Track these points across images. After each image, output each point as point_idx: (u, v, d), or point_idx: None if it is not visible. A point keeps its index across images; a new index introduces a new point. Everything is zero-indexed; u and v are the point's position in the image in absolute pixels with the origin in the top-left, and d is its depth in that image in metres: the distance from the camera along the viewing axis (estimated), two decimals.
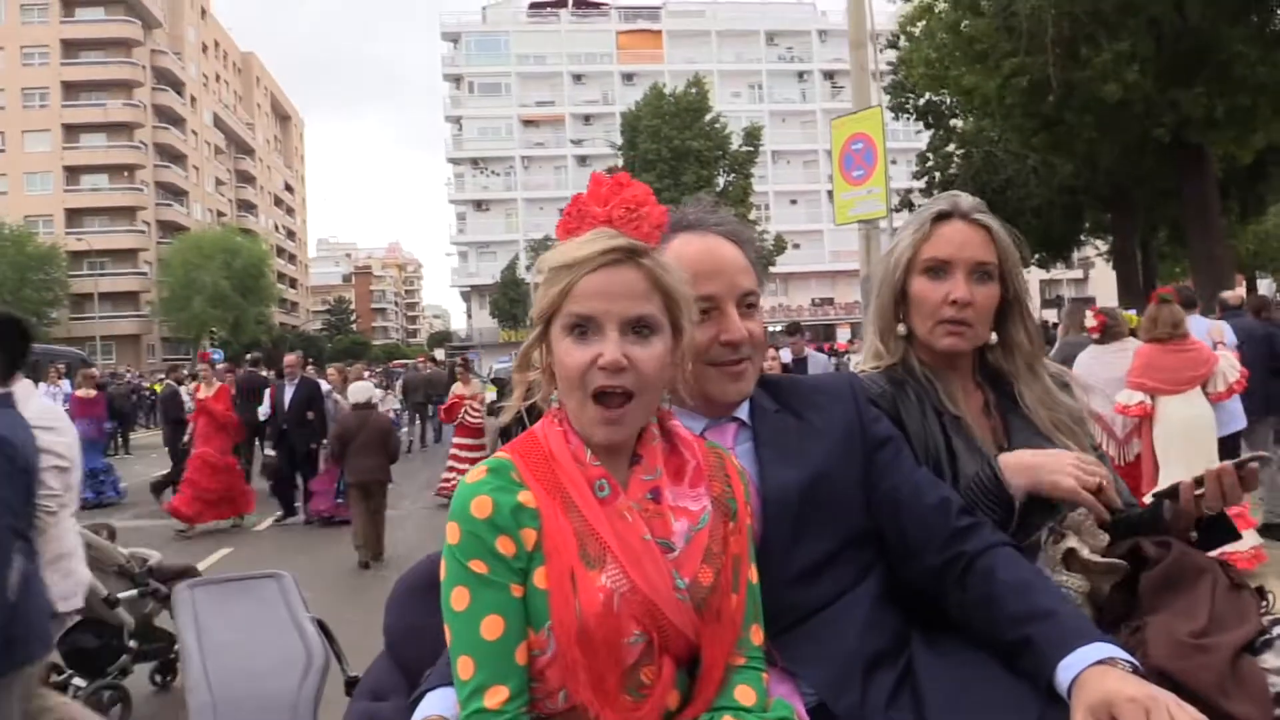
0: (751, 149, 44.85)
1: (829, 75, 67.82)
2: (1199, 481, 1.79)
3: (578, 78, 69.40)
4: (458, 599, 1.36)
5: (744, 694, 1.42)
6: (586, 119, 68.24)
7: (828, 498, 1.64)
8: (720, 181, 43.24)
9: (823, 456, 1.68)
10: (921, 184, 28.92)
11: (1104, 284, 43.45)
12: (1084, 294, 53.27)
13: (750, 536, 1.52)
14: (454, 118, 69.99)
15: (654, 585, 1.36)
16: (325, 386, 13.33)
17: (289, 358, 13.13)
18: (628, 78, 67.36)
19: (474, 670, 1.33)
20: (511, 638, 1.34)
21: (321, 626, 2.16)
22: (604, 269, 1.40)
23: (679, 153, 41.96)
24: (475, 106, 69.16)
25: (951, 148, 28.26)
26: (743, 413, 1.77)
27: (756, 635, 1.48)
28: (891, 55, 24.93)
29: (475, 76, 69.13)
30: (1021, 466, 1.76)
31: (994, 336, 2.06)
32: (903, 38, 23.21)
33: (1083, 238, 29.86)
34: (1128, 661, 1.36)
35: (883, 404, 1.91)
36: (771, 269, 43.50)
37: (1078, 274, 56.98)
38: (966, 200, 2.06)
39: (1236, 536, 1.88)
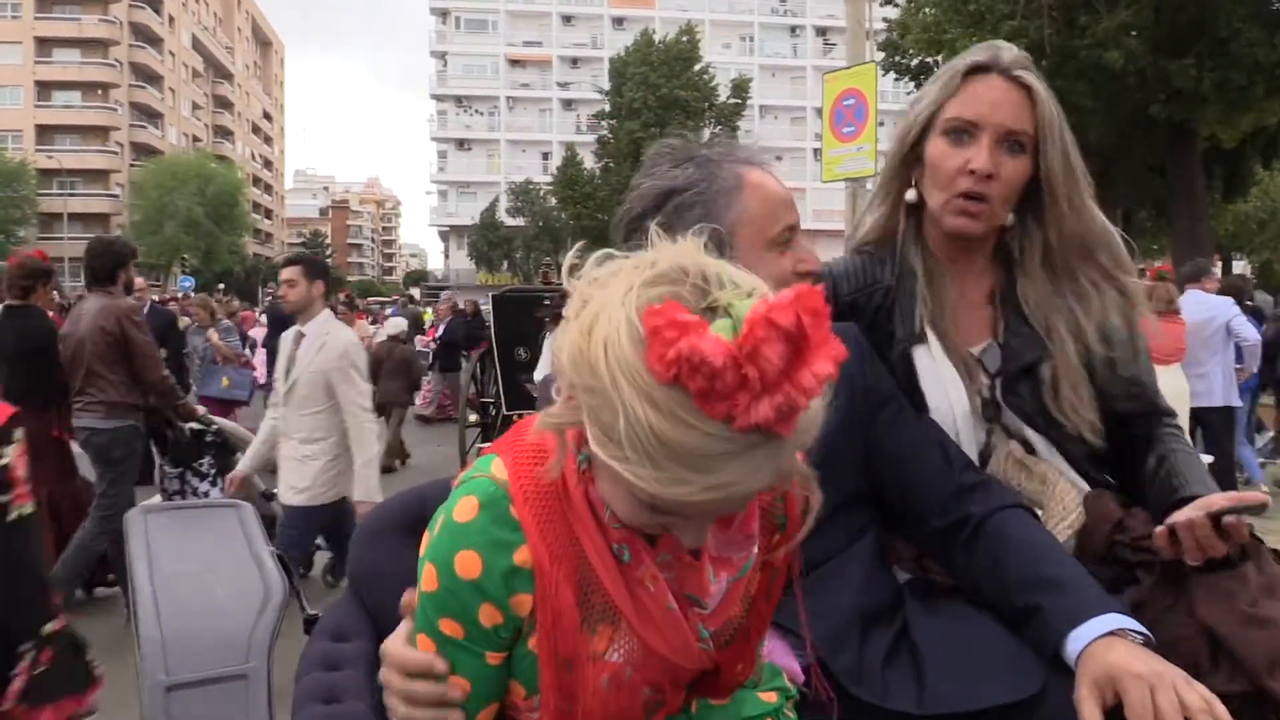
0: (739, 101, 44.58)
1: (822, 31, 67.02)
2: (1172, 532, 1.50)
3: (567, 19, 68.59)
4: (423, 646, 1.16)
5: None
6: (574, 62, 67.60)
7: (828, 457, 1.44)
8: (706, 133, 42.71)
9: (829, 415, 1.40)
10: None
11: None
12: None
13: (796, 550, 1.25)
14: (439, 53, 69.14)
15: (675, 648, 1.14)
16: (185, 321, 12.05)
17: (137, 280, 11.14)
18: (618, 22, 66.65)
19: None
20: (477, 701, 1.17)
21: (281, 561, 2.05)
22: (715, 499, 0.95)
23: (665, 101, 41.73)
24: (461, 43, 68.28)
25: None
26: None
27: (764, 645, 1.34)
28: (888, 13, 24.63)
29: (462, 11, 68.23)
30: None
31: (1010, 218, 1.78)
32: None
33: None
34: (1139, 633, 1.31)
35: (843, 311, 1.77)
36: None
37: None
38: (1010, 52, 1.76)
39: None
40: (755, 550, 1.20)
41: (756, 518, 1.20)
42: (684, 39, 44.21)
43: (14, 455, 2.13)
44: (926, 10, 20.73)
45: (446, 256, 70.72)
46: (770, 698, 1.30)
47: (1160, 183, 19.75)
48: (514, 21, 68.09)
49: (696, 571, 1.16)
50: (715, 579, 1.17)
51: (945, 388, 1.76)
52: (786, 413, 0.89)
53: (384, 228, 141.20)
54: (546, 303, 9.23)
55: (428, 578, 1.13)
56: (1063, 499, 1.69)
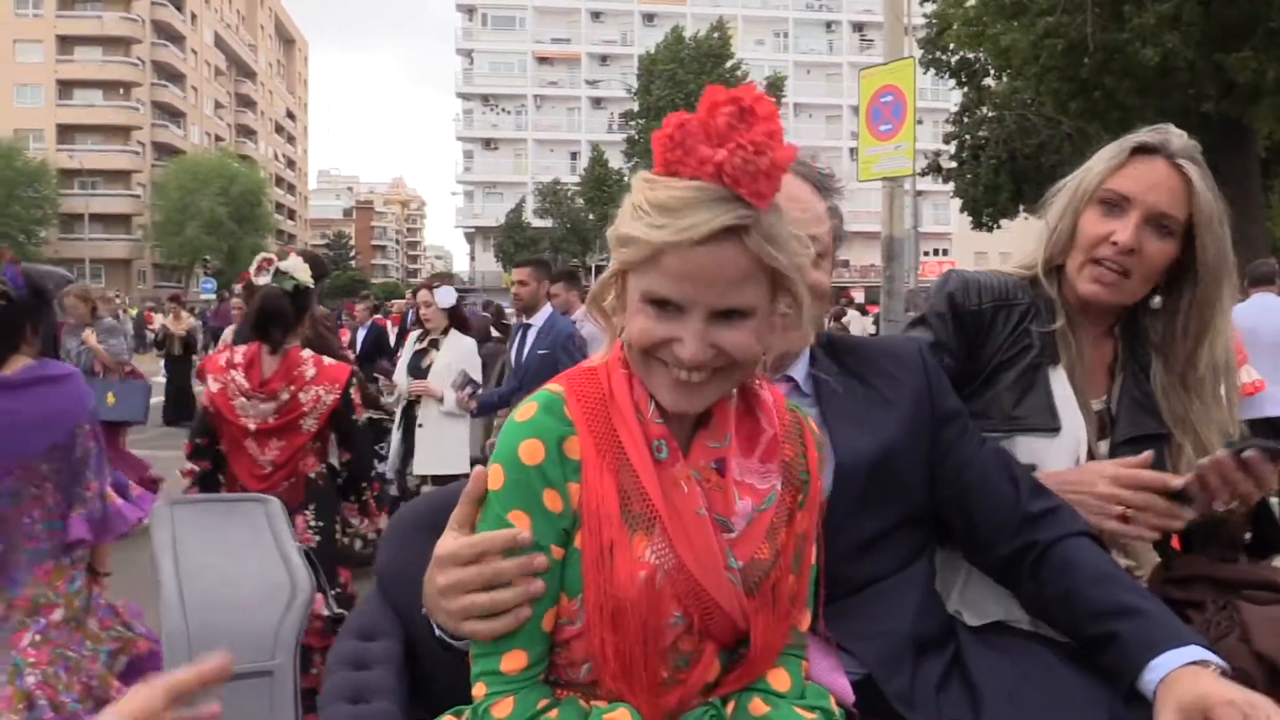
0: (773, 100, 43.38)
1: (858, 27, 66.19)
2: (1202, 480, 1.64)
3: (596, 15, 67.76)
4: None
5: (777, 678, 1.32)
6: (604, 59, 66.82)
7: (895, 472, 1.58)
8: None
9: (892, 427, 1.60)
10: (951, 147, 27.78)
11: None
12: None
13: (820, 512, 1.39)
14: (465, 51, 68.53)
15: (703, 565, 1.24)
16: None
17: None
18: (648, 18, 65.97)
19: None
20: (543, 603, 1.24)
21: (308, 557, 2.04)
22: (703, 246, 1.18)
23: (695, 100, 40.64)
24: (488, 40, 67.64)
25: (984, 110, 26.95)
26: (797, 371, 1.67)
27: (804, 620, 1.38)
28: (927, 9, 24.01)
29: (489, 8, 67.57)
30: (1048, 482, 1.66)
31: (1156, 300, 1.86)
32: None
33: None
34: (1220, 665, 1.32)
35: (967, 323, 1.85)
36: None
37: None
38: (1180, 140, 1.82)
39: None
40: (778, 486, 1.32)
41: (776, 453, 1.33)
42: (715, 35, 43.21)
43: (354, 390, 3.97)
44: (968, 4, 20.25)
45: (472, 258, 70.26)
46: (810, 717, 1.28)
47: (1217, 184, 18.51)
48: (542, 18, 67.45)
49: (723, 492, 1.28)
50: (740, 499, 1.28)
51: (1075, 414, 1.80)
52: (741, 165, 1.15)
53: (409, 229, 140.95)
54: None
55: (494, 477, 1.24)
56: (1139, 551, 1.81)
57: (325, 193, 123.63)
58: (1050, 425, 1.79)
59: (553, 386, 1.29)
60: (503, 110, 67.42)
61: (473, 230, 67.12)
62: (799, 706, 1.29)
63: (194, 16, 70.57)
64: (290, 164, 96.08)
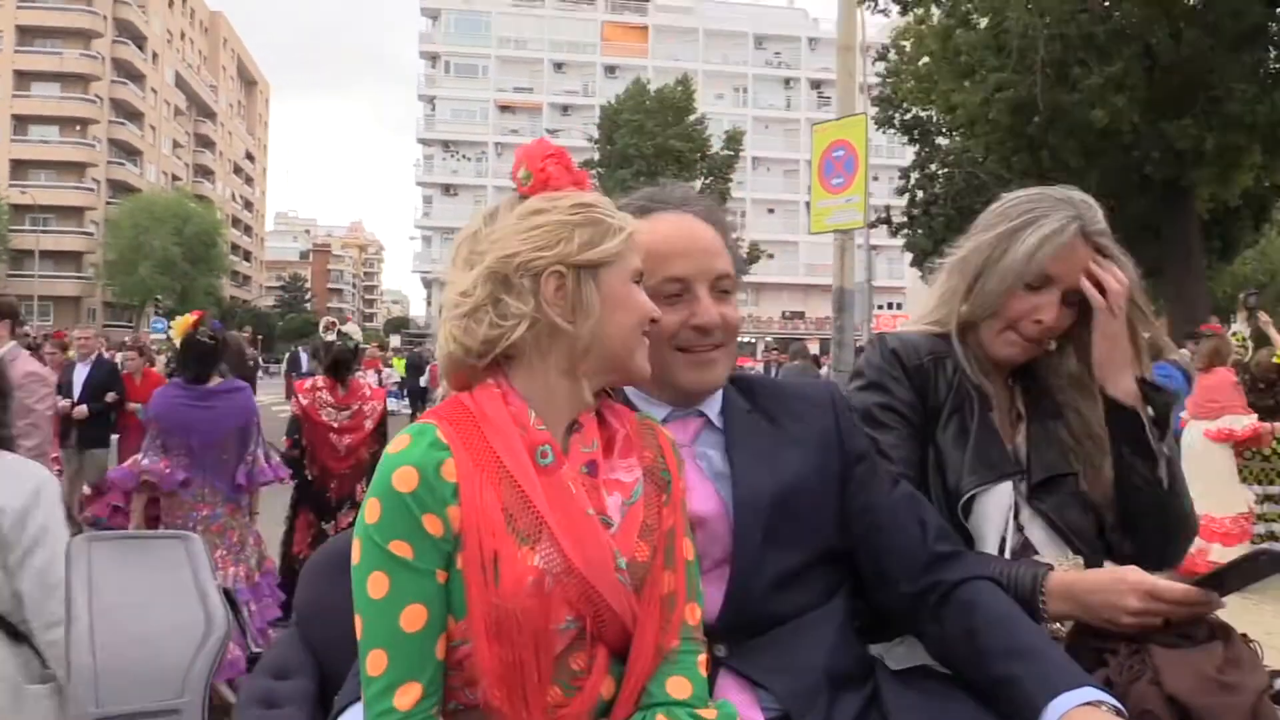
0: (732, 154, 44.03)
1: (816, 85, 67.39)
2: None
3: (559, 66, 68.55)
4: (375, 586, 1.24)
5: (677, 686, 1.30)
6: (565, 109, 67.51)
7: (801, 509, 1.58)
8: (698, 184, 42.26)
9: (797, 466, 1.61)
10: (903, 202, 28.32)
11: None
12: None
13: (685, 511, 1.42)
14: (428, 97, 69.01)
15: (593, 566, 1.26)
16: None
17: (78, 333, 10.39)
18: (610, 70, 66.88)
19: (386, 665, 1.23)
20: (433, 630, 1.24)
21: (227, 595, 2.07)
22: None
23: (659, 150, 41.21)
24: (450, 87, 68.26)
25: (935, 167, 27.58)
26: (711, 410, 1.68)
27: (693, 614, 1.37)
28: (881, 68, 24.52)
29: (453, 56, 68.22)
30: (1070, 593, 1.65)
31: (1052, 345, 1.96)
32: (893, 51, 23.26)
33: None
34: (1113, 704, 1.36)
35: (915, 377, 1.91)
36: (745, 278, 44.31)
37: None
38: (1099, 220, 1.91)
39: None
40: (641, 478, 1.37)
41: (633, 449, 1.40)
42: (679, 88, 43.70)
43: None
44: (919, 63, 20.85)
45: (429, 304, 70.03)
46: (710, 714, 1.29)
47: (1155, 244, 19.61)
48: (504, 67, 68.13)
49: (595, 490, 1.33)
50: (609, 495, 1.33)
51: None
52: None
53: (366, 273, 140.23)
54: None
55: (371, 512, 1.25)
56: None
57: (282, 234, 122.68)
58: (1016, 469, 1.86)
59: (424, 419, 1.32)
60: (463, 157, 67.84)
61: (430, 275, 67.02)
62: (702, 714, 1.29)
63: (155, 55, 70.19)
64: (248, 205, 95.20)
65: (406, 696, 1.22)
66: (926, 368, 1.91)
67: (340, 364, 6.22)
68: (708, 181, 43.29)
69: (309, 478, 6.07)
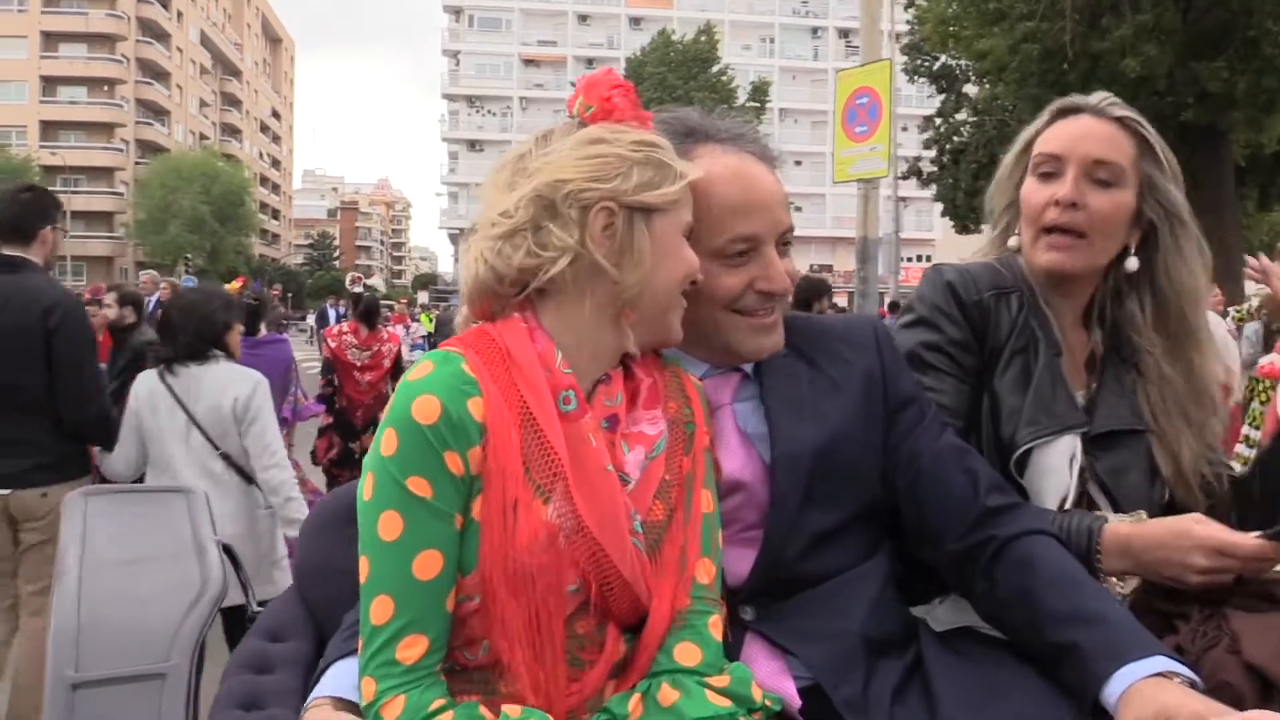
0: (758, 105, 43.67)
1: (844, 33, 66.07)
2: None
3: (583, 18, 67.84)
4: (387, 526, 1.14)
5: (686, 653, 1.21)
6: (590, 62, 66.45)
7: (843, 463, 1.45)
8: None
9: (840, 414, 1.48)
10: (932, 152, 27.96)
11: None
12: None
13: (708, 461, 1.34)
14: (452, 52, 68.61)
15: (606, 526, 1.17)
16: None
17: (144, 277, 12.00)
18: (635, 22, 66.13)
19: (393, 613, 1.14)
20: (446, 580, 1.15)
21: (228, 551, 1.96)
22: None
23: (682, 103, 40.65)
24: (474, 41, 67.78)
25: (964, 114, 27.15)
26: (748, 364, 1.53)
27: (706, 570, 1.28)
28: (911, 15, 24.13)
29: (476, 10, 67.72)
30: (1127, 550, 1.52)
31: (1132, 262, 1.73)
32: None
33: None
34: (1188, 676, 1.22)
35: (973, 313, 1.72)
36: None
37: None
38: (1101, 95, 1.75)
39: None
40: (665, 431, 1.29)
41: (658, 399, 1.31)
42: (703, 39, 43.30)
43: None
44: (946, 6, 20.53)
45: (456, 260, 69.71)
46: (722, 702, 1.18)
47: (1191, 192, 18.94)
48: (528, 20, 67.57)
49: (613, 446, 1.24)
50: (630, 450, 1.25)
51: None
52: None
53: (394, 230, 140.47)
54: None
55: (388, 443, 1.15)
56: None
57: (310, 193, 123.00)
58: (1081, 421, 1.67)
59: (449, 347, 1.21)
60: (488, 112, 67.51)
61: (457, 231, 66.89)
62: (713, 682, 1.20)
63: (180, 14, 70.19)
64: (275, 163, 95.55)
65: (413, 650, 1.13)
66: (987, 304, 1.72)
67: (371, 311, 7.57)
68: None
69: (339, 407, 7.37)
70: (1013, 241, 1.79)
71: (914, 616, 1.51)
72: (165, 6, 67.83)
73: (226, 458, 3.91)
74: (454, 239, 69.04)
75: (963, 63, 24.61)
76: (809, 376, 1.51)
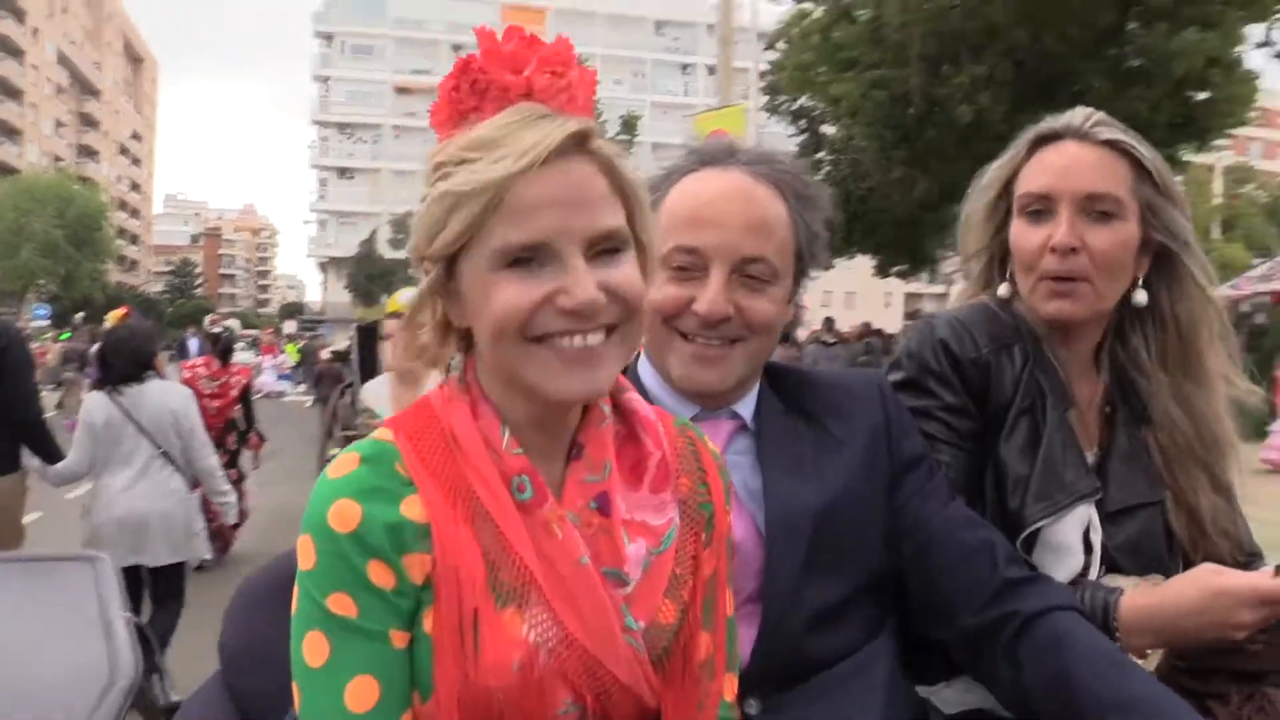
0: (628, 138, 44.44)
1: (713, 70, 67.41)
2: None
3: (457, 47, 67.59)
4: (312, 649, 0.98)
5: None
6: None
7: (846, 529, 1.34)
8: None
9: (843, 475, 1.37)
10: None
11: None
12: (945, 308, 54.90)
13: (730, 552, 1.18)
14: (322, 78, 67.94)
15: (594, 632, 0.99)
16: None
17: None
18: None
19: None
20: (388, 709, 0.97)
21: (140, 631, 1.74)
22: (550, 165, 0.98)
23: None
24: (346, 68, 67.46)
25: (822, 154, 28.50)
26: (745, 409, 1.42)
27: (731, 687, 1.14)
28: (773, 55, 25.47)
29: (348, 36, 67.38)
30: (1151, 622, 1.36)
31: (1140, 296, 1.58)
32: (782, 40, 24.35)
33: (940, 253, 30.92)
34: None
35: (972, 372, 1.53)
36: None
37: (940, 289, 58.59)
38: (1082, 114, 1.58)
39: None
40: (676, 520, 1.09)
41: (669, 479, 1.10)
42: None
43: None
44: (802, 54, 21.88)
45: (325, 288, 68.82)
46: None
47: None
48: (401, 48, 67.46)
49: (608, 536, 1.03)
50: (631, 542, 1.04)
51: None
52: (550, 80, 1.01)
53: (260, 257, 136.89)
54: None
55: (303, 554, 0.99)
56: None
57: (172, 218, 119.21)
58: (1094, 489, 1.53)
59: (381, 432, 1.04)
60: (359, 139, 67.02)
61: (326, 260, 66.05)
62: None
63: (35, 30, 67.50)
64: (135, 187, 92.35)
65: None
66: (986, 360, 1.55)
67: (227, 350, 8.81)
68: None
69: None
70: (1003, 290, 1.64)
71: (925, 701, 1.42)
72: (20, 21, 65.17)
73: (165, 454, 4.96)
74: (323, 267, 68.03)
75: (819, 104, 25.81)
76: (810, 434, 1.42)
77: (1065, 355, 1.60)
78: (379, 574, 0.96)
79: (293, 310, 79.58)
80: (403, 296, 6.60)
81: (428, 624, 0.98)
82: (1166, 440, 1.59)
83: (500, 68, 1.01)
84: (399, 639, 0.98)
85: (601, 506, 1.05)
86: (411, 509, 0.98)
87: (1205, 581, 1.36)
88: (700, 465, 1.16)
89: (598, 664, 0.99)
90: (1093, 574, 1.49)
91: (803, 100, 26.87)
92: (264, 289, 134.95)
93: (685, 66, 70.28)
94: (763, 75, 23.43)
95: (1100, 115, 1.58)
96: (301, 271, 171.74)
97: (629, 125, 45.81)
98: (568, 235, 0.98)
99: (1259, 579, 1.33)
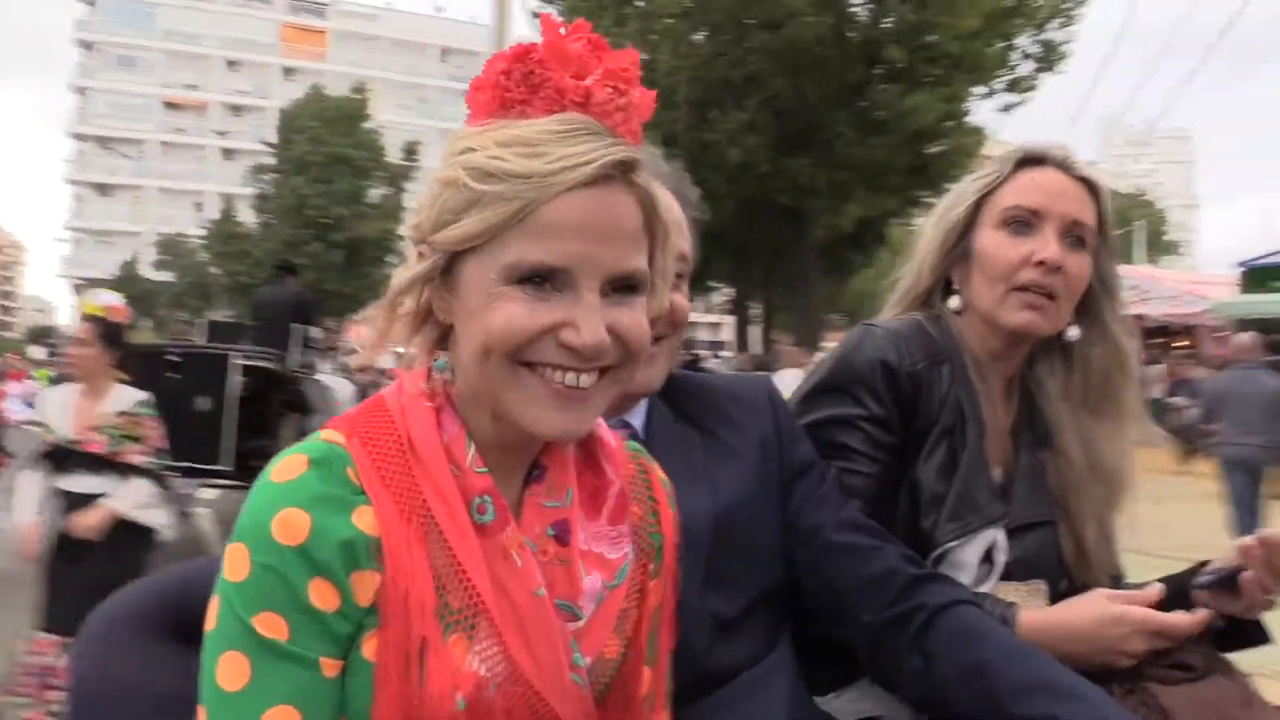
0: (411, 164, 44.23)
1: None
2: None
3: (232, 64, 65.40)
4: (229, 672, 0.87)
5: None
6: (236, 109, 64.36)
7: (743, 537, 1.32)
8: (374, 193, 42.31)
9: (737, 483, 1.35)
10: None
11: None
12: (718, 338, 56.91)
13: (675, 585, 1.12)
14: (81, 88, 63.65)
15: (544, 668, 0.92)
16: None
17: None
18: (288, 72, 64.69)
19: None
20: None
21: None
22: (589, 189, 0.89)
23: (333, 158, 40.63)
24: (109, 79, 63.55)
25: None
26: (636, 418, 1.38)
27: None
28: None
29: (112, 46, 63.51)
30: (1043, 640, 1.34)
31: (1074, 331, 1.62)
32: None
33: (713, 284, 32.39)
34: None
35: (906, 387, 1.52)
36: None
37: (715, 319, 60.80)
38: (1061, 149, 1.62)
39: (1266, 640, 1.46)
40: (630, 555, 1.03)
41: (627, 511, 1.05)
42: (356, 95, 43.42)
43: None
44: None
45: (78, 311, 64.38)
46: None
47: (780, 263, 23.34)
48: (171, 62, 64.20)
49: (567, 567, 0.97)
50: (587, 575, 0.98)
51: None
52: (611, 95, 0.92)
53: (3, 276, 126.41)
54: (174, 358, 8.11)
55: (233, 564, 0.88)
56: None
57: None
58: (1002, 514, 1.54)
59: (329, 434, 0.94)
60: (122, 155, 63.28)
61: (82, 282, 61.84)
62: None
63: None
64: None
65: None
66: (921, 375, 1.55)
67: None
68: (387, 192, 43.30)
69: None
70: (954, 302, 1.65)
71: (825, 714, 1.41)
72: None
73: None
74: (78, 289, 63.71)
75: None
76: (702, 443, 1.40)
77: (992, 376, 1.63)
78: (320, 594, 0.87)
79: (40, 334, 74.08)
80: (99, 298, 5.63)
81: (369, 650, 0.89)
82: (1064, 467, 1.62)
83: (562, 67, 0.92)
84: (330, 667, 0.88)
85: (560, 534, 0.99)
86: (364, 520, 0.89)
87: (1101, 608, 1.39)
88: (651, 494, 1.12)
89: (542, 701, 0.92)
90: (987, 587, 1.51)
91: None
92: (8, 310, 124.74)
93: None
94: None
95: (1070, 151, 1.63)
96: (51, 293, 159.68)
97: (410, 151, 45.55)
98: (590, 267, 0.90)
99: (1154, 613, 1.37)
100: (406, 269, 0.96)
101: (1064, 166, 1.59)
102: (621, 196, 0.91)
